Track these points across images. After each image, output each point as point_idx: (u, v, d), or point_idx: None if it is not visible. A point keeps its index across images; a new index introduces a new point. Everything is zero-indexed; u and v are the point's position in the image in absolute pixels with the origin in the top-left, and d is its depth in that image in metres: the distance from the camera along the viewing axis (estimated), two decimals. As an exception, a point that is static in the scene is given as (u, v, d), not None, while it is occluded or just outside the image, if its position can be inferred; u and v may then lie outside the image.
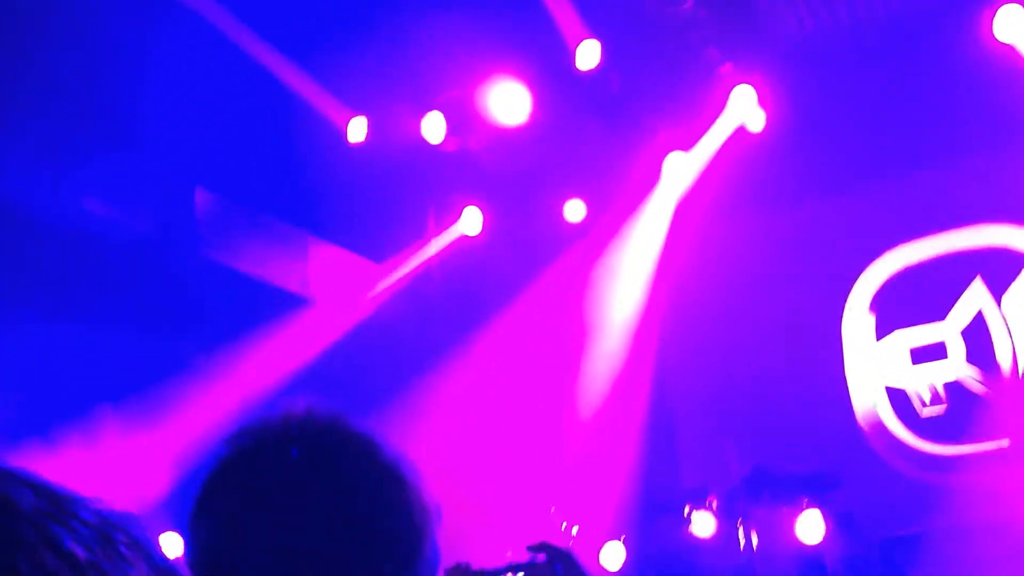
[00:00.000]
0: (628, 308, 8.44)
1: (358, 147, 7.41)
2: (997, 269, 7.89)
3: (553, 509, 7.52)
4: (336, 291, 7.85)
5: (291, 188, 7.35)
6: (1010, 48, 6.95)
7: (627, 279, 8.43)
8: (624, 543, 7.70)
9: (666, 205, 8.20)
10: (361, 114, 7.39)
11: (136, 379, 6.46)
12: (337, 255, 7.99)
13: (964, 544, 7.21)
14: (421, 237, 8.16)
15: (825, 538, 7.22)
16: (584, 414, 8.37)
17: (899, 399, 8.10)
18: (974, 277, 7.92)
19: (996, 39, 6.91)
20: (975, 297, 7.92)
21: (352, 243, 8.04)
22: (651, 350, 8.53)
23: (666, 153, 7.87)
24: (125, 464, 6.28)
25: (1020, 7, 6.77)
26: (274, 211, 7.50)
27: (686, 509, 7.58)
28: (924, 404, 8.00)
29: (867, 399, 8.17)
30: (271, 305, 7.33)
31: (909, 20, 7.23)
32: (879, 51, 7.45)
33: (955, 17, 7.08)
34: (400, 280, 8.10)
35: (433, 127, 7.51)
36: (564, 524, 7.44)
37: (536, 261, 8.53)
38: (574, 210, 8.41)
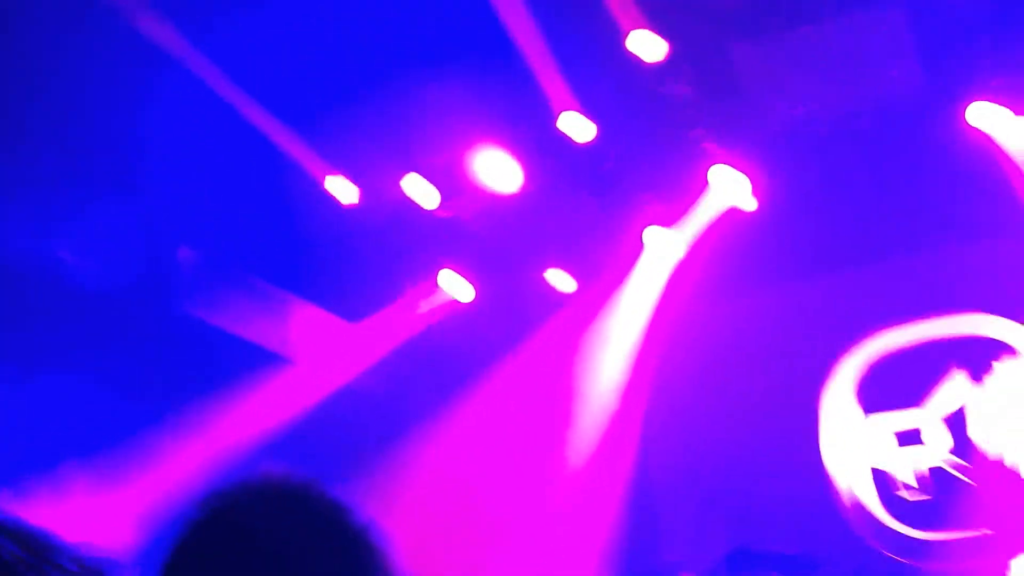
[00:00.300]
0: (612, 382, 8.41)
1: (345, 210, 7.41)
2: (977, 357, 7.92)
3: None
4: (317, 352, 7.81)
5: (276, 248, 7.34)
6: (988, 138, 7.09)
7: (612, 352, 8.42)
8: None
9: (653, 281, 8.22)
10: (349, 177, 7.40)
11: (109, 434, 6.38)
12: (319, 316, 7.95)
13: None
14: (405, 301, 8.14)
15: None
16: (566, 485, 8.30)
17: (882, 483, 8.07)
18: (955, 364, 7.95)
19: (978, 129, 7.04)
20: (956, 384, 7.95)
21: (335, 305, 8.01)
22: (635, 424, 8.49)
23: (653, 229, 7.91)
24: (93, 520, 6.17)
25: (992, 104, 6.91)
26: (257, 270, 7.48)
27: None
28: (906, 489, 7.97)
29: (850, 481, 8.14)
30: (250, 364, 7.28)
31: (895, 109, 7.31)
32: (866, 138, 7.52)
33: (941, 107, 7.17)
34: (383, 343, 8.06)
35: (421, 192, 7.53)
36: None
37: (521, 329, 8.51)
38: (561, 280, 8.42)
